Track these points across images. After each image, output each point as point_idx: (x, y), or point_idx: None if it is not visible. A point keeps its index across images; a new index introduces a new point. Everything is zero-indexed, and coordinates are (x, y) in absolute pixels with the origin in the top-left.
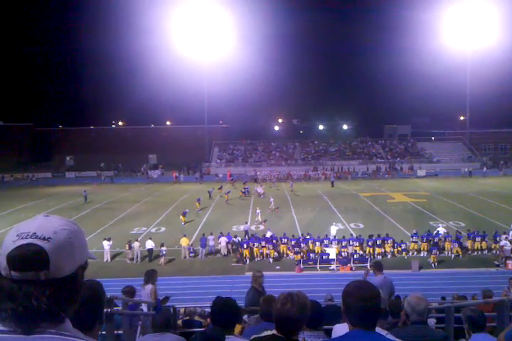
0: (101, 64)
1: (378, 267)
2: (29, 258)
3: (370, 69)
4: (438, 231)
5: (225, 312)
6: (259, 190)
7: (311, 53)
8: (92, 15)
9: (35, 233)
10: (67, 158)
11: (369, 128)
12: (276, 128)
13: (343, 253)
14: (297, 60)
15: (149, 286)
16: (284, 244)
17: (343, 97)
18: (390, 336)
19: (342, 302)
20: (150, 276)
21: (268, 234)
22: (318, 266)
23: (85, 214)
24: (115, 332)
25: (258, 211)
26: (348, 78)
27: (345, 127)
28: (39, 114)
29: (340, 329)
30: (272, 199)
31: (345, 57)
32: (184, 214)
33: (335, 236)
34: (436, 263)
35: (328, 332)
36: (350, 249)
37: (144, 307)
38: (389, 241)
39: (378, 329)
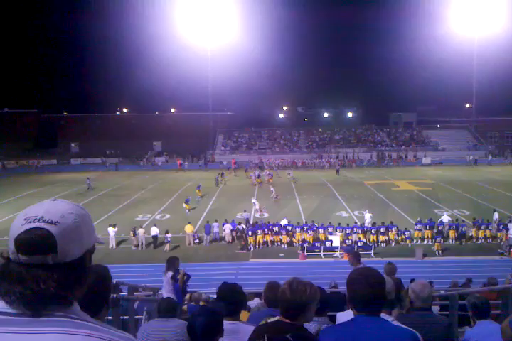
0: (106, 51)
1: (356, 257)
2: (37, 241)
3: (376, 56)
4: (442, 219)
5: (230, 297)
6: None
7: (316, 40)
8: (97, 1)
9: (42, 217)
10: (72, 145)
11: (374, 116)
12: (281, 115)
13: (347, 241)
14: (302, 46)
15: (170, 273)
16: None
17: (348, 85)
18: (395, 322)
19: (347, 288)
20: (171, 264)
21: (284, 222)
22: (322, 253)
23: (91, 201)
24: (121, 317)
25: (254, 201)
26: (354, 65)
27: (350, 115)
28: (44, 101)
29: (343, 317)
30: (272, 188)
31: (350, 44)
32: (187, 201)
33: (372, 223)
34: (440, 251)
35: (333, 319)
36: (354, 237)
37: (165, 294)
38: (393, 229)
39: (384, 315)
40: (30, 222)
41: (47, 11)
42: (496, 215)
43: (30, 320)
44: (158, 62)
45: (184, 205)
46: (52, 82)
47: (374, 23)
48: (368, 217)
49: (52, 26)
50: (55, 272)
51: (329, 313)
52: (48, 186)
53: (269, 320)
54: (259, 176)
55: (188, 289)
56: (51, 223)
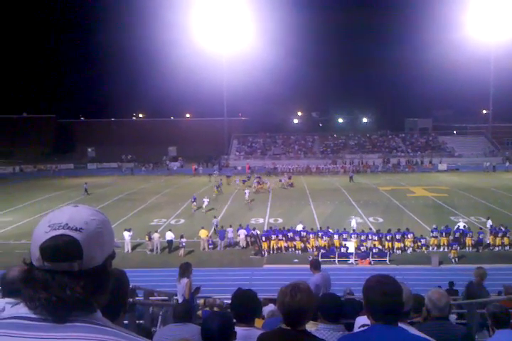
0: (122, 57)
1: (316, 266)
2: (63, 248)
3: (392, 61)
4: (458, 226)
5: (245, 303)
6: (283, 180)
7: (331, 45)
8: (114, 8)
9: (67, 224)
10: (89, 150)
11: (389, 122)
12: (296, 121)
13: (361, 248)
14: (317, 52)
15: (185, 280)
16: (302, 237)
17: (363, 90)
18: (413, 331)
19: (363, 296)
20: (185, 269)
21: (299, 227)
22: (336, 259)
23: (106, 205)
24: (136, 321)
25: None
26: (369, 70)
27: (365, 120)
28: (62, 106)
29: (363, 321)
30: (247, 191)
31: (365, 49)
32: (194, 200)
33: (354, 230)
34: (456, 259)
35: (348, 326)
36: (369, 243)
37: (180, 299)
38: (409, 236)
39: (401, 324)
40: (55, 229)
41: (66, 19)
42: (461, 225)
43: (53, 326)
44: (173, 68)
45: (192, 205)
46: (70, 87)
47: (390, 29)
48: (354, 223)
49: (70, 33)
50: (81, 278)
51: (345, 321)
52: (64, 190)
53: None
54: (258, 183)
55: (203, 294)
56: (76, 230)
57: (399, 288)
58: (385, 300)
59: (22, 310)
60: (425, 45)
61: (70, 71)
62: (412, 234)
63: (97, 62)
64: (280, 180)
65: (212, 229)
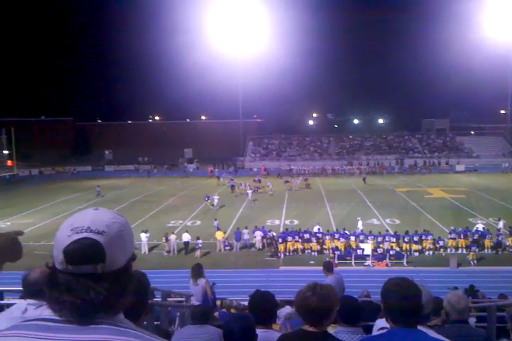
0: (139, 60)
1: (328, 268)
2: (86, 252)
3: (408, 61)
4: (477, 227)
5: (264, 305)
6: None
7: (346, 46)
8: (129, 11)
9: (89, 227)
10: (106, 152)
11: (406, 122)
12: (311, 122)
13: (378, 249)
14: (332, 53)
15: (203, 280)
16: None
17: (379, 90)
18: (433, 334)
19: (382, 299)
20: (199, 270)
21: (315, 229)
22: (353, 261)
23: (123, 207)
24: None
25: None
26: (385, 71)
27: (380, 121)
28: (79, 109)
29: (382, 324)
30: (250, 191)
31: (381, 49)
32: (207, 198)
33: (362, 230)
34: (475, 261)
35: (366, 329)
36: (386, 245)
37: (195, 301)
38: (429, 238)
39: (421, 328)
40: (77, 233)
41: (83, 23)
42: (480, 226)
43: (77, 328)
44: (189, 70)
45: (206, 203)
46: (87, 91)
47: (406, 29)
48: (360, 225)
49: (88, 38)
50: (104, 281)
51: (362, 323)
52: (82, 192)
53: (289, 330)
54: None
55: (218, 296)
56: (98, 233)
57: (418, 291)
58: (404, 303)
59: (46, 312)
60: (442, 44)
61: (87, 74)
62: (431, 236)
63: (113, 66)
64: (268, 186)
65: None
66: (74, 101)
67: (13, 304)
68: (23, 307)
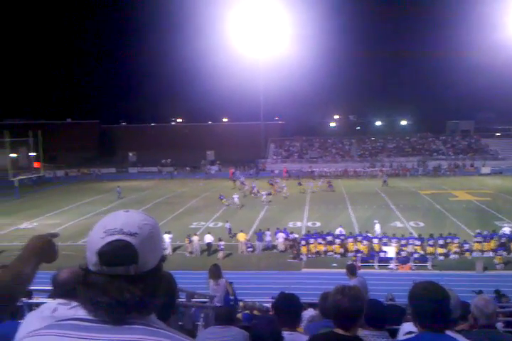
0: (161, 63)
1: (352, 271)
2: (119, 253)
3: (431, 61)
4: (504, 231)
5: (289, 307)
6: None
7: (368, 47)
8: (152, 14)
9: (121, 229)
10: (130, 154)
11: (430, 124)
12: (333, 124)
13: (402, 253)
14: (354, 54)
15: (223, 280)
16: (340, 240)
17: (402, 91)
18: (461, 339)
19: (409, 304)
20: (217, 271)
21: (338, 231)
22: (376, 264)
23: (147, 208)
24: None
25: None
26: (408, 71)
27: (403, 123)
28: (104, 112)
29: (409, 328)
30: (264, 193)
31: (403, 49)
32: (221, 198)
33: (385, 233)
34: (502, 264)
35: (391, 333)
36: (409, 248)
37: (218, 303)
38: (455, 241)
39: (449, 332)
40: (110, 235)
41: (106, 24)
42: (507, 229)
43: (111, 328)
44: (210, 73)
45: (222, 202)
46: (112, 94)
47: (430, 28)
48: (377, 228)
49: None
50: (137, 282)
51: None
52: (106, 193)
53: (322, 331)
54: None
55: (240, 297)
56: (130, 234)
57: (447, 295)
58: (433, 307)
59: (80, 312)
60: (466, 45)
61: (111, 78)
62: (457, 239)
63: (137, 69)
64: (299, 184)
65: (228, 233)
66: (99, 104)
67: (42, 303)
68: (53, 307)
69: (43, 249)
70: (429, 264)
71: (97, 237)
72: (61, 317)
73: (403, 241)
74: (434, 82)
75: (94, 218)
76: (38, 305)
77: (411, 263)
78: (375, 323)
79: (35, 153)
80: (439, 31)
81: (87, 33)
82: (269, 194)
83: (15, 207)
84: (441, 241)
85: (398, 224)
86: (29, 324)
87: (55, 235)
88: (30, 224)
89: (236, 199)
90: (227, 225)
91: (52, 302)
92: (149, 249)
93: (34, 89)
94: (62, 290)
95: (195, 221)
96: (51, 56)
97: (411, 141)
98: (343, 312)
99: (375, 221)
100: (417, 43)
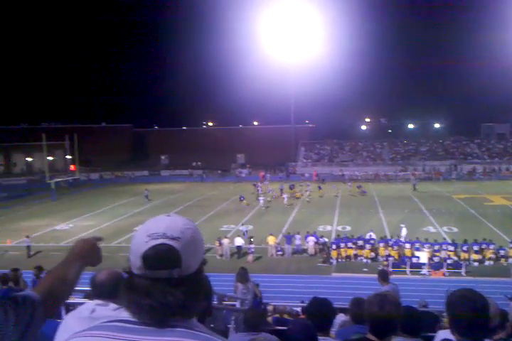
0: (192, 67)
1: (384, 276)
2: (163, 257)
3: (466, 63)
4: None
5: (323, 312)
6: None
7: (400, 48)
8: (184, 19)
9: (165, 233)
10: (162, 157)
11: (464, 127)
12: (364, 127)
13: (435, 258)
14: (386, 55)
15: (251, 283)
16: (370, 244)
17: (435, 94)
18: None
19: (447, 312)
20: (246, 274)
21: (368, 235)
22: (408, 269)
23: (178, 211)
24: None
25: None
26: (441, 73)
27: (437, 125)
28: (137, 116)
29: (445, 335)
30: (285, 196)
31: (436, 51)
32: (242, 199)
33: (417, 238)
34: None
35: (426, 340)
36: (443, 254)
37: (246, 305)
38: (490, 247)
39: None
40: (154, 239)
41: (136, 29)
42: None
43: (154, 330)
44: (241, 76)
45: (242, 203)
46: (145, 98)
47: (464, 29)
48: (404, 232)
49: (144, 47)
50: (180, 285)
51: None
52: (139, 196)
53: (354, 337)
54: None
55: (270, 301)
56: (173, 238)
57: (486, 303)
58: (472, 315)
59: (124, 314)
60: (502, 46)
61: (144, 84)
62: (493, 245)
63: (169, 74)
64: (319, 188)
65: (244, 236)
66: (132, 108)
67: (77, 303)
68: (92, 308)
69: (88, 252)
70: (462, 270)
71: (141, 241)
72: (99, 318)
73: (436, 247)
74: (468, 84)
75: (128, 220)
76: (74, 305)
77: (444, 269)
78: (411, 330)
79: (71, 156)
80: (475, 31)
81: (122, 39)
82: (297, 197)
83: (51, 209)
84: (476, 247)
85: (431, 229)
86: (68, 324)
87: (99, 239)
88: (66, 226)
89: (261, 202)
90: (244, 228)
91: (90, 303)
92: (191, 252)
93: (70, 94)
94: (99, 291)
95: (226, 224)
96: (88, 62)
97: (444, 144)
98: (379, 322)
99: (402, 225)
100: (450, 44)
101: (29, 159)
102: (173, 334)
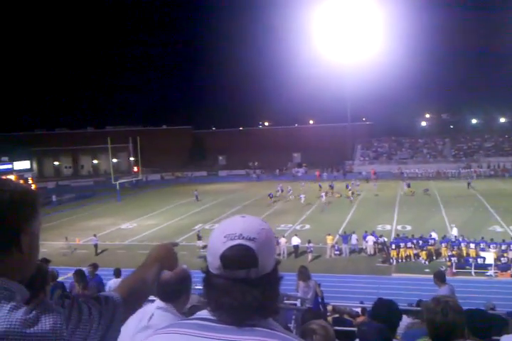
0: (248, 69)
1: (441, 277)
2: (241, 257)
3: None
4: None
5: (388, 315)
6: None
7: (462, 41)
8: (241, 21)
9: (241, 234)
10: (220, 158)
11: None
12: (424, 123)
13: (502, 259)
14: (447, 49)
15: (312, 281)
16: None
17: (500, 87)
18: None
19: None
20: (308, 272)
21: (432, 235)
22: (472, 270)
23: (236, 210)
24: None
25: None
26: (506, 65)
27: (502, 120)
28: (196, 118)
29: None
30: (302, 196)
31: (500, 42)
32: (270, 195)
33: (455, 237)
34: None
35: None
36: (510, 254)
37: (308, 305)
38: None
39: None
40: (231, 239)
41: (195, 34)
42: None
43: (233, 328)
44: (296, 76)
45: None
46: (203, 100)
47: None
48: (455, 232)
49: (199, 50)
50: (258, 285)
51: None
52: (198, 196)
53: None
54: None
55: (329, 300)
56: (250, 239)
57: None
58: None
59: (203, 312)
60: None
61: (202, 87)
62: None
63: (226, 77)
64: (348, 188)
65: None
66: (192, 111)
67: None
68: (151, 313)
69: (165, 257)
70: None
71: (219, 242)
72: (155, 327)
73: (503, 247)
74: None
75: (188, 219)
76: None
77: None
78: (481, 334)
79: (134, 158)
80: None
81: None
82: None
83: (116, 209)
84: None
85: (498, 228)
86: (126, 331)
87: (176, 244)
88: (130, 225)
89: (303, 199)
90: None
91: (151, 306)
92: (267, 252)
93: (133, 98)
94: (163, 290)
95: (283, 223)
96: (151, 69)
97: (511, 140)
98: (440, 331)
99: (452, 225)
100: None
101: (95, 161)
102: (254, 333)
